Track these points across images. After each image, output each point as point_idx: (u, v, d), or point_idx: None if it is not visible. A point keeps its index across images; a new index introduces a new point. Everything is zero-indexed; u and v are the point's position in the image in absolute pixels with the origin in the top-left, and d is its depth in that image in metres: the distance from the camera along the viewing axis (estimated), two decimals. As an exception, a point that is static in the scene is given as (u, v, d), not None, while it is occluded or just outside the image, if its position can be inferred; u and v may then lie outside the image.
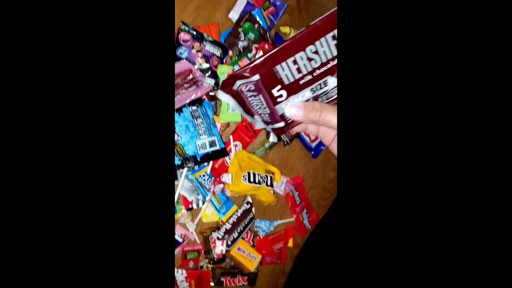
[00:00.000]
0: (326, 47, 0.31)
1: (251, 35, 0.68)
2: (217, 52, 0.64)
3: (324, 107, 0.37)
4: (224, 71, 0.63)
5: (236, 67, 0.63)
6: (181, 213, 0.61)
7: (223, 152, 0.61)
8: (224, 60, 0.66)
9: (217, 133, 0.62)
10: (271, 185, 0.69)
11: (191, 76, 0.60)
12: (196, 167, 0.61)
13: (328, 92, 0.36)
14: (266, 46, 0.69)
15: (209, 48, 0.63)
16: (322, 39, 0.31)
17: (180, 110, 0.60)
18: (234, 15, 0.70)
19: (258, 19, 0.70)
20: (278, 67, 0.31)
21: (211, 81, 0.63)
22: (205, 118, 0.61)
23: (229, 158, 0.66)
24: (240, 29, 0.67)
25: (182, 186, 0.61)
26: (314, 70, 0.32)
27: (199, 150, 0.59)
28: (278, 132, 0.37)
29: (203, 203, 0.63)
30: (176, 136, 0.58)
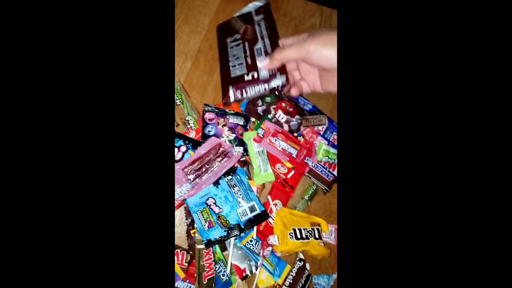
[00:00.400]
0: None
1: (268, 99, 0.73)
2: (240, 121, 0.69)
3: (284, 48, 0.56)
4: (249, 137, 0.68)
5: (260, 131, 0.67)
6: (236, 284, 0.61)
7: (265, 214, 0.63)
8: (248, 127, 0.71)
9: (254, 197, 0.64)
10: (320, 238, 0.67)
11: (221, 149, 0.66)
12: (242, 234, 0.63)
13: None
14: (283, 104, 0.73)
15: (233, 120, 0.69)
16: None
17: (217, 183, 0.64)
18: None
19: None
20: None
21: (240, 149, 0.68)
22: (241, 185, 0.65)
23: (272, 218, 0.67)
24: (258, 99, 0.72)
25: (233, 255, 0.62)
26: None
27: (241, 217, 0.61)
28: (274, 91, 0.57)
29: (256, 268, 0.63)
30: (218, 208, 0.61)
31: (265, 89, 0.59)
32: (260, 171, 0.66)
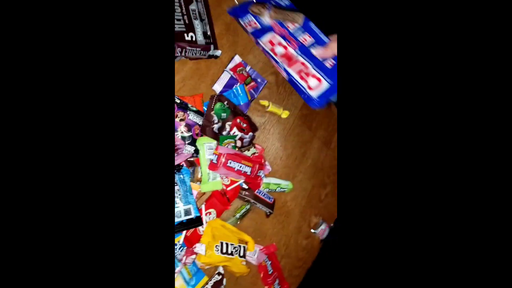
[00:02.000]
0: None
1: (224, 115, 0.70)
2: (199, 121, 0.67)
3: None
4: (203, 142, 0.66)
5: (214, 157, 0.65)
6: None
7: (198, 221, 0.61)
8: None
9: (193, 201, 0.62)
10: (244, 256, 0.67)
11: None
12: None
13: None
14: (238, 120, 0.73)
15: (192, 117, 0.66)
16: None
17: (158, 176, 0.60)
18: (218, 87, 0.76)
19: (237, 92, 0.76)
20: None
21: (191, 149, 0.65)
22: (182, 185, 0.62)
23: (202, 227, 0.65)
24: (212, 113, 0.69)
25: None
26: None
27: (174, 218, 0.58)
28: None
29: (172, 274, 0.60)
30: (151, 204, 0.57)
31: (203, 55, 0.69)
32: (208, 179, 0.64)
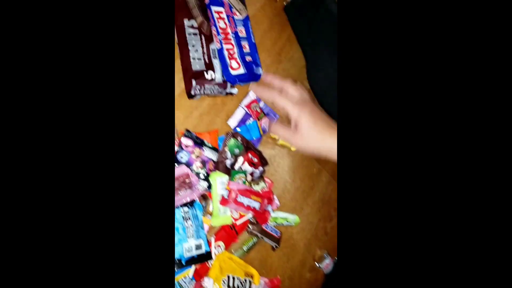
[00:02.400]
0: None
1: (236, 150, 0.74)
2: (214, 157, 0.71)
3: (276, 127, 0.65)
4: (216, 177, 0.69)
5: (225, 192, 0.70)
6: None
7: (208, 256, 0.64)
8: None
9: (203, 235, 0.65)
10: (249, 290, 0.70)
11: (187, 180, 0.66)
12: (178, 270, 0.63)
13: None
14: (250, 155, 0.77)
15: (208, 154, 0.70)
16: None
17: (172, 211, 0.64)
18: (232, 122, 0.80)
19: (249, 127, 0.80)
20: None
21: (205, 184, 0.69)
22: (194, 220, 0.65)
23: (212, 260, 0.68)
24: (226, 149, 0.73)
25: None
26: None
27: (185, 253, 0.61)
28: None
29: (180, 306, 0.63)
30: (165, 239, 0.61)
31: (220, 92, 0.76)
32: (219, 213, 0.67)
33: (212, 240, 0.69)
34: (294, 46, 0.97)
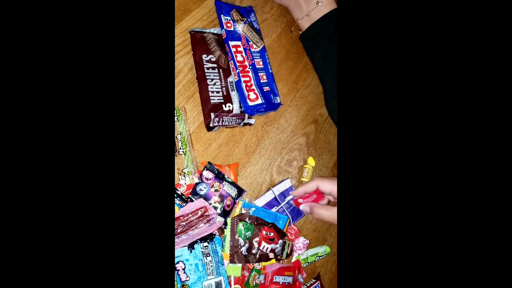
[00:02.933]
0: None
1: (248, 233, 0.68)
2: (233, 193, 0.70)
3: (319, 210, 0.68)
4: (232, 273, 0.67)
5: (261, 277, 0.69)
6: None
7: (228, 294, 0.62)
8: (237, 200, 0.72)
9: (224, 272, 0.63)
10: (273, 331, 0.66)
11: (206, 213, 0.65)
12: (199, 308, 0.61)
13: None
14: (264, 232, 0.71)
15: (227, 188, 0.70)
16: None
17: (191, 246, 0.63)
18: (260, 202, 0.76)
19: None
20: None
21: (221, 219, 0.68)
22: (214, 256, 0.64)
23: (232, 299, 0.65)
24: (237, 236, 0.67)
25: (182, 328, 0.59)
26: None
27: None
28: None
29: None
30: (185, 276, 0.59)
31: (238, 123, 0.78)
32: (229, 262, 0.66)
33: (232, 280, 0.67)
34: (311, 73, 0.98)
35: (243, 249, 0.68)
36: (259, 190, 0.80)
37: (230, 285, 0.65)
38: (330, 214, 0.65)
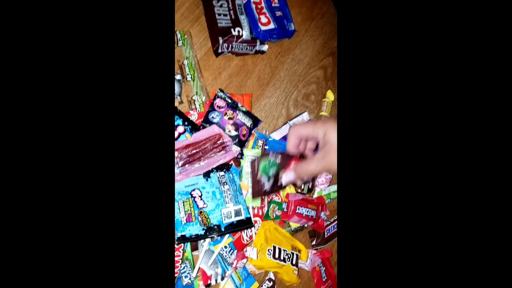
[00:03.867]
0: None
1: (272, 171, 0.51)
2: (248, 122, 0.64)
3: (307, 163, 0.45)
4: (248, 154, 0.63)
5: (284, 205, 0.64)
6: (198, 290, 0.55)
7: (249, 222, 0.57)
8: (253, 131, 0.66)
9: (243, 201, 0.59)
10: (296, 265, 0.62)
11: (220, 140, 0.60)
12: (219, 238, 0.57)
13: None
14: (292, 164, 0.62)
15: (241, 117, 0.64)
16: None
17: (207, 175, 0.58)
18: (276, 135, 0.70)
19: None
20: None
21: (237, 149, 0.62)
22: (232, 184, 0.59)
23: (255, 228, 0.61)
24: (259, 176, 0.51)
25: (202, 259, 0.56)
26: None
27: (224, 219, 0.55)
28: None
29: (223, 278, 0.57)
30: (202, 203, 0.55)
31: (250, 50, 0.70)
32: (247, 193, 0.61)
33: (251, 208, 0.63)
34: (327, 1, 0.88)
35: (267, 185, 0.62)
36: (275, 124, 0.73)
37: (250, 213, 0.61)
38: (317, 164, 0.43)
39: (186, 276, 0.54)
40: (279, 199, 0.66)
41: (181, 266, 0.54)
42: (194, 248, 0.57)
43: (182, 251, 0.53)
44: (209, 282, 0.55)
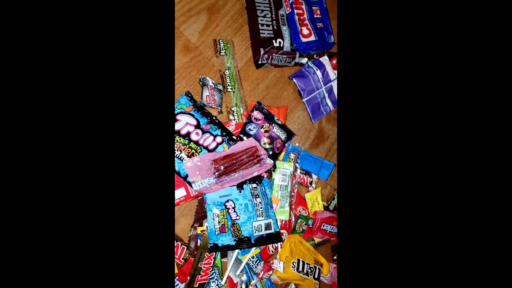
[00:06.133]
0: None
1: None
2: (282, 136, 0.65)
3: None
4: (281, 166, 0.65)
5: (310, 221, 0.66)
6: (224, 297, 0.58)
7: (278, 236, 0.59)
8: (286, 144, 0.67)
9: (273, 215, 0.60)
10: (318, 279, 0.64)
11: (257, 153, 0.61)
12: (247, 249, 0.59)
13: None
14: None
15: (276, 130, 0.65)
16: None
17: (241, 187, 0.60)
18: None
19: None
20: None
21: (271, 162, 0.63)
22: (263, 198, 0.60)
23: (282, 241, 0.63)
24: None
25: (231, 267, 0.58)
26: None
27: (255, 232, 0.57)
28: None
29: (247, 286, 0.59)
30: (235, 215, 0.57)
31: (288, 62, 0.71)
32: (277, 206, 0.63)
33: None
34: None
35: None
36: (307, 136, 0.74)
37: (279, 228, 0.62)
38: None
39: (213, 282, 0.57)
40: (306, 213, 0.67)
41: (210, 273, 0.56)
42: (223, 255, 0.59)
43: (213, 259, 0.56)
44: (235, 289, 0.58)
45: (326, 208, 0.70)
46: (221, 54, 0.65)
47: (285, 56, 0.69)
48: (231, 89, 0.64)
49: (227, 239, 0.55)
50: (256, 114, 0.64)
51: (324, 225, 0.65)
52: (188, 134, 0.57)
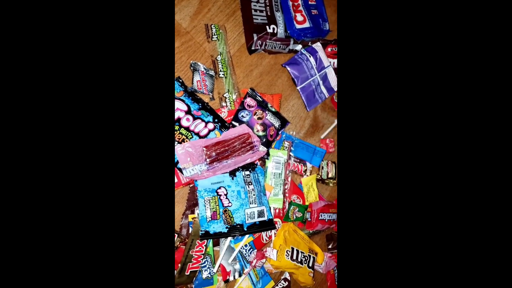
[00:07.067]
0: None
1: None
2: (276, 123, 0.64)
3: None
4: (274, 154, 0.63)
5: (307, 214, 0.66)
6: (217, 285, 0.57)
7: (270, 224, 0.58)
8: (281, 132, 0.66)
9: (266, 202, 0.59)
10: (312, 267, 0.63)
11: (249, 140, 0.60)
12: (240, 236, 0.58)
13: None
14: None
15: (270, 118, 0.63)
16: None
17: (233, 174, 0.59)
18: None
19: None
20: None
21: (264, 149, 0.62)
22: (256, 185, 0.59)
23: (276, 229, 0.62)
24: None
25: (223, 256, 0.57)
26: None
27: (247, 219, 0.56)
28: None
29: (240, 275, 0.58)
30: (227, 202, 0.56)
31: (282, 49, 0.69)
32: (271, 194, 0.62)
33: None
34: (363, 1, 0.85)
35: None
36: (301, 125, 0.73)
37: (273, 216, 0.61)
38: None
39: (206, 270, 0.56)
40: (300, 201, 0.66)
41: (202, 261, 0.55)
42: (216, 243, 0.58)
43: (204, 247, 0.55)
44: (228, 278, 0.57)
45: (320, 180, 0.69)
46: (213, 39, 0.64)
47: (279, 42, 0.68)
48: (223, 74, 0.63)
49: (219, 226, 0.54)
50: (249, 100, 0.63)
51: (321, 215, 0.65)
52: (179, 119, 0.56)
